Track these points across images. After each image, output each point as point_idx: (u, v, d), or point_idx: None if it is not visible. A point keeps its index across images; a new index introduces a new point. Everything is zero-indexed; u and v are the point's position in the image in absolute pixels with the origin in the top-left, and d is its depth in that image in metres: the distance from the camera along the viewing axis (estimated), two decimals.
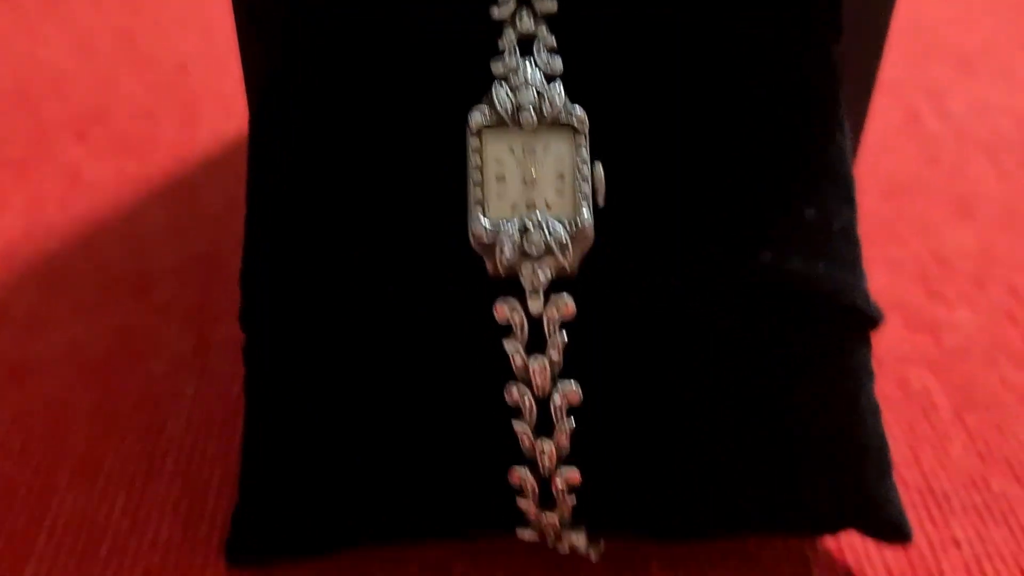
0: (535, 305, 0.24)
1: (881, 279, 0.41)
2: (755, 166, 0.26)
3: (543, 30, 0.26)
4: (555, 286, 0.24)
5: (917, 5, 0.62)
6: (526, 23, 0.26)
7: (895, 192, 0.46)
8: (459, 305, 0.24)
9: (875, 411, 0.27)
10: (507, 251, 0.23)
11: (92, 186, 0.45)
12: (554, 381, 0.24)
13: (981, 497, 0.32)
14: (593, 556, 0.27)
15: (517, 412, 0.24)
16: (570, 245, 0.24)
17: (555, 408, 0.24)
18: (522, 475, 0.25)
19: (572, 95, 0.25)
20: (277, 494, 0.27)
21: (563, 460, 0.25)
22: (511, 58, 0.25)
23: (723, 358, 0.25)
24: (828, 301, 0.26)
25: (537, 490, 0.25)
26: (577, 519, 0.26)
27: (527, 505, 0.25)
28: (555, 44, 0.26)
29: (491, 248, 0.24)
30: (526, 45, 0.26)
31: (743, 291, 0.25)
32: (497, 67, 0.25)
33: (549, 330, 0.24)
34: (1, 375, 0.35)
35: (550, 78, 0.25)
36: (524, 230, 0.24)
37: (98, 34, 0.57)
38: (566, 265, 0.24)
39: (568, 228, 0.24)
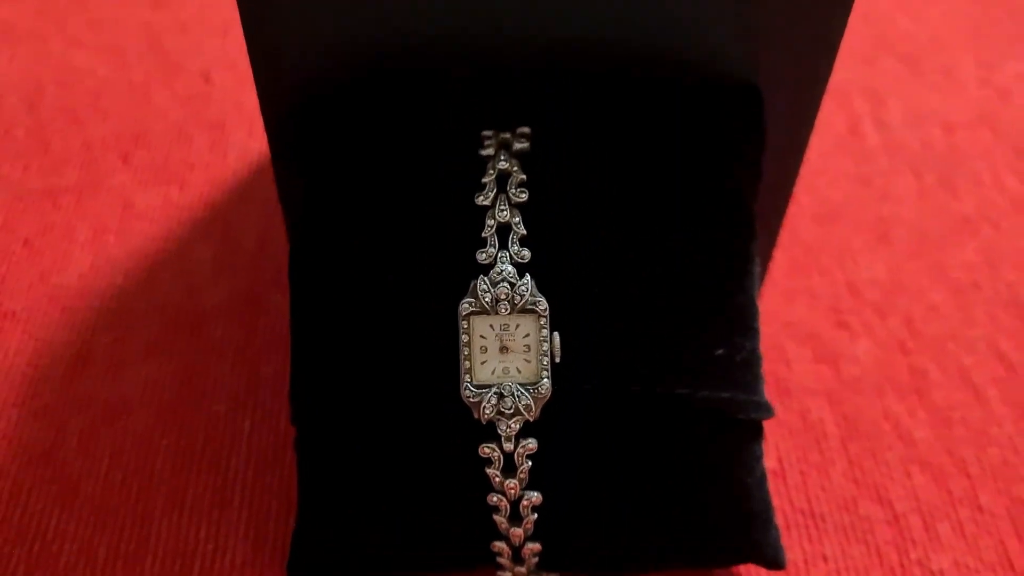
0: (508, 446, 0.33)
1: (799, 311, 0.49)
2: (678, 319, 0.35)
3: (516, 220, 0.34)
4: (523, 430, 0.33)
5: None
6: (503, 213, 0.34)
7: (826, 217, 0.53)
8: (457, 439, 0.34)
9: (761, 483, 0.37)
10: (487, 411, 0.33)
11: (143, 216, 0.53)
12: (522, 491, 0.34)
13: (849, 518, 0.42)
14: None
15: (496, 510, 0.34)
16: (533, 405, 0.33)
17: (523, 507, 0.34)
18: (500, 546, 0.35)
19: (536, 275, 0.33)
20: (323, 535, 0.37)
21: (529, 538, 0.35)
22: (491, 248, 0.33)
23: (646, 463, 0.35)
24: (729, 418, 0.35)
25: (511, 554, 0.35)
26: (540, 569, 0.36)
27: (505, 562, 0.36)
28: (525, 232, 0.34)
29: (477, 405, 0.33)
30: (504, 230, 0.34)
31: (663, 416, 0.35)
32: (480, 256, 0.33)
33: (518, 461, 0.33)
34: (97, 414, 0.44)
35: (520, 268, 0.33)
36: (500, 396, 0.33)
37: (125, 33, 0.63)
38: (530, 418, 0.33)
39: (532, 392, 0.33)
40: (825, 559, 0.41)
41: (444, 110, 0.37)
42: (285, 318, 0.47)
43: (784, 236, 0.52)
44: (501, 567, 0.36)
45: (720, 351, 0.35)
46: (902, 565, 0.40)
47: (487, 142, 0.36)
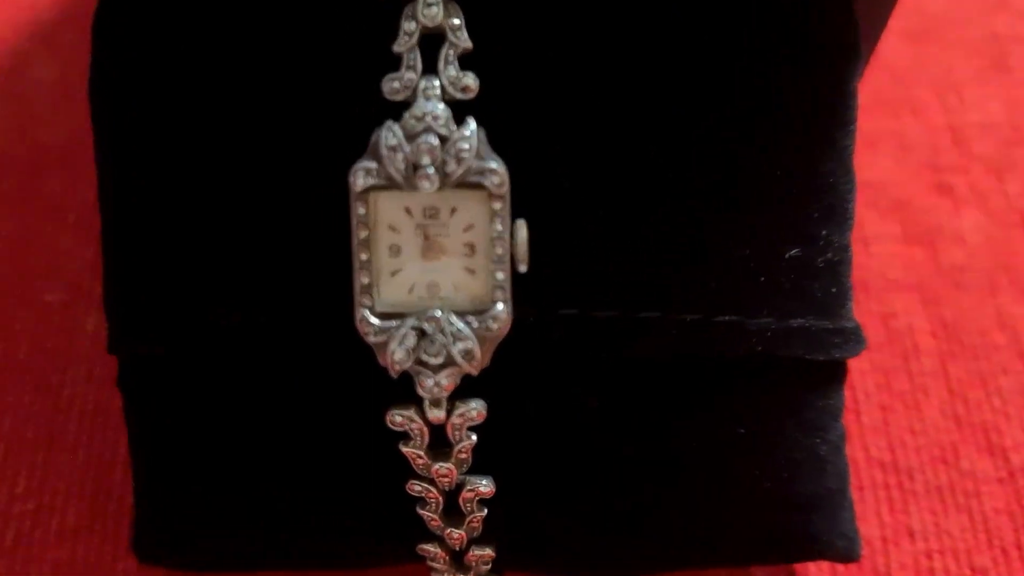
0: (435, 414, 0.20)
1: (884, 165, 0.36)
2: (725, 201, 0.21)
3: (454, 21, 0.19)
4: (462, 387, 0.20)
5: None
6: (432, 8, 0.19)
7: (921, 32, 0.40)
8: (349, 398, 0.21)
9: (838, 449, 0.25)
10: (399, 357, 0.19)
11: None
12: (462, 477, 0.21)
13: (947, 476, 0.30)
14: None
15: (423, 503, 0.22)
16: (477, 350, 0.19)
17: (463, 500, 0.21)
18: (431, 550, 0.23)
19: (487, 120, 0.19)
20: (170, 520, 0.25)
21: (475, 540, 0.22)
22: (408, 72, 0.19)
23: (664, 429, 0.22)
24: (797, 359, 0.22)
25: (448, 559, 0.23)
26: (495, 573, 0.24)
27: (439, 567, 0.23)
28: (470, 44, 0.19)
29: (382, 346, 0.19)
30: (433, 40, 0.20)
31: (695, 359, 0.22)
32: (390, 86, 0.19)
33: (454, 436, 0.20)
34: None
35: (460, 108, 0.19)
36: (421, 332, 0.19)
37: None
38: (472, 371, 0.20)
39: (477, 326, 0.19)
40: (912, 535, 0.29)
41: None
42: None
43: (867, 62, 0.38)
44: (435, 570, 0.24)
45: (794, 251, 0.22)
46: (1019, 546, 0.28)
47: None
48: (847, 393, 0.30)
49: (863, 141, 0.35)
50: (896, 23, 0.39)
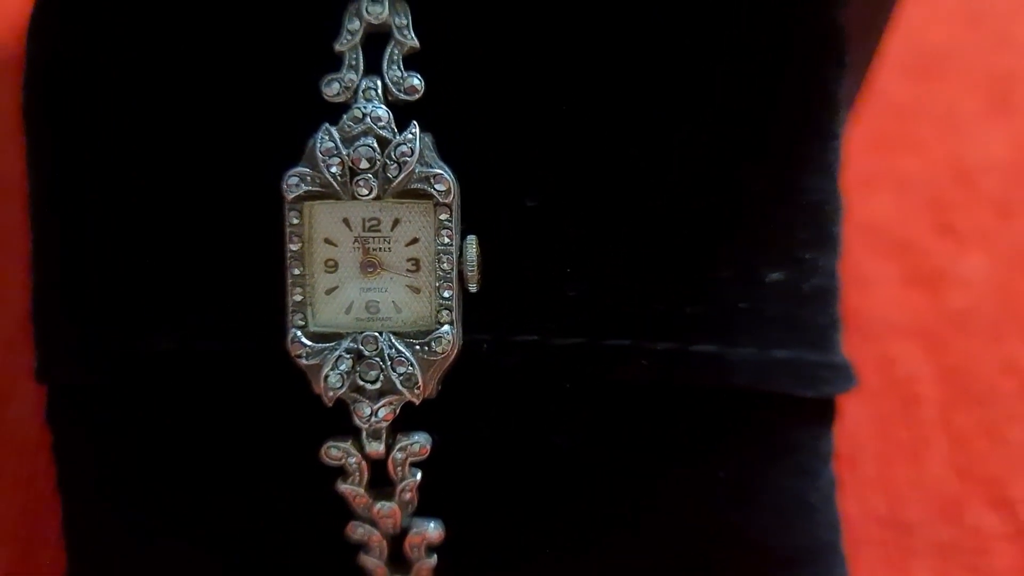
0: (373, 448, 0.18)
1: (884, 205, 0.35)
2: (700, 217, 0.19)
3: (400, 21, 0.18)
4: (403, 419, 0.18)
5: None
6: (377, 6, 0.18)
7: (922, 70, 0.38)
8: (281, 430, 0.19)
9: (828, 498, 0.23)
10: (334, 383, 0.18)
11: None
12: (407, 520, 0.19)
13: (951, 532, 0.28)
14: None
15: (365, 548, 0.20)
16: (419, 376, 0.18)
17: (409, 546, 0.20)
18: None
19: (434, 125, 0.18)
20: (104, 560, 0.23)
21: None
22: (349, 73, 0.18)
23: (630, 474, 0.20)
24: (783, 395, 0.21)
25: None
26: None
27: None
28: (416, 44, 0.18)
29: (316, 370, 0.18)
30: (377, 39, 0.18)
31: (666, 394, 0.20)
32: (330, 89, 0.18)
33: (397, 473, 0.18)
34: None
35: (403, 111, 0.18)
36: (359, 356, 0.18)
37: None
38: (414, 400, 0.18)
39: (421, 351, 0.18)
40: None
41: None
42: None
43: (865, 97, 0.36)
44: None
45: (775, 274, 0.20)
46: None
47: None
48: (841, 443, 0.28)
49: (861, 179, 0.35)
50: (896, 57, 0.38)
